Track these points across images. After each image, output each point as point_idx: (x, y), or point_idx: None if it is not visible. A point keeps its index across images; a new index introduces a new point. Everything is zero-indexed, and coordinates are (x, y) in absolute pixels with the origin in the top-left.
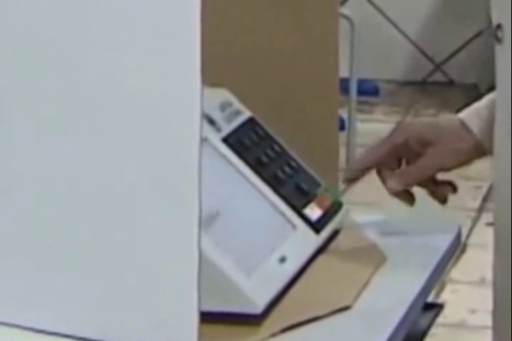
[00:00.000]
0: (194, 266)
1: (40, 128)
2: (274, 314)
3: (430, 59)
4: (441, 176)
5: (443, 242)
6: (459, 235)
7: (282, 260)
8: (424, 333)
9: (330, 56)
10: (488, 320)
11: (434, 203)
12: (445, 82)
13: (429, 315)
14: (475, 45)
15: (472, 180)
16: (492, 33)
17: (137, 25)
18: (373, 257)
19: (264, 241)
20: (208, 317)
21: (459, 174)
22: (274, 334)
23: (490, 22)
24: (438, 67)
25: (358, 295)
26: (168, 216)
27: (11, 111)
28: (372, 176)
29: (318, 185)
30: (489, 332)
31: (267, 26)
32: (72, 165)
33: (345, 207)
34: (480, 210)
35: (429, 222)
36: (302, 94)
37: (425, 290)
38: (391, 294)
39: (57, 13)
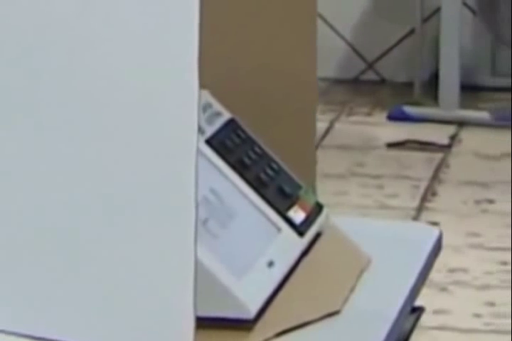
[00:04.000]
0: (190, 273)
1: (36, 135)
2: (265, 319)
3: (362, 57)
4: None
5: (425, 245)
6: (440, 238)
7: (270, 264)
8: (407, 337)
9: (307, 58)
10: (436, 321)
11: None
12: (377, 80)
13: (411, 318)
14: (407, 43)
15: (410, 180)
16: None
17: (135, 25)
18: (358, 260)
19: (251, 245)
20: (198, 323)
21: (397, 174)
22: (267, 340)
23: (422, 20)
24: (370, 65)
25: (346, 300)
26: (164, 222)
27: (4, 115)
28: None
29: (299, 187)
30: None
31: (242, 27)
32: (68, 173)
33: (325, 210)
34: (419, 209)
35: (409, 224)
36: (279, 97)
37: (412, 294)
38: (379, 298)
39: (56, 12)
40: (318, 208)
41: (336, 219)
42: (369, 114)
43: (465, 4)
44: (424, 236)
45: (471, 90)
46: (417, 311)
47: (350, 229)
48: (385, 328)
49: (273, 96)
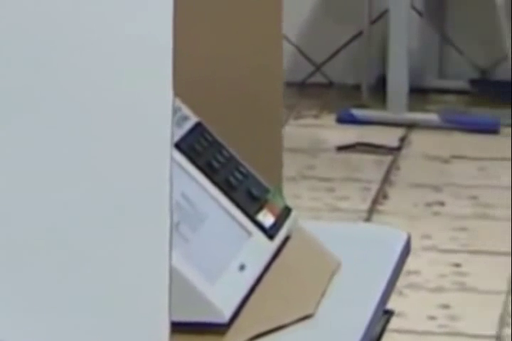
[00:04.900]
0: (165, 277)
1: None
2: (239, 323)
3: (310, 60)
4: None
5: (394, 248)
6: (408, 241)
7: (242, 268)
8: (378, 340)
9: (273, 62)
10: (392, 324)
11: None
12: (325, 83)
13: (381, 321)
14: (355, 46)
15: (361, 182)
16: None
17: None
18: (328, 263)
19: (222, 249)
20: (173, 327)
21: (348, 176)
22: None
23: (370, 22)
24: (318, 68)
25: (319, 303)
26: (139, 227)
27: None
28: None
29: (267, 190)
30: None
31: (207, 31)
32: (44, 178)
33: (293, 213)
34: (370, 212)
35: (378, 227)
36: (244, 100)
37: (384, 297)
38: (352, 301)
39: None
40: (287, 211)
41: (303, 222)
42: (317, 117)
43: (412, 6)
44: (393, 239)
45: (419, 92)
46: (387, 314)
47: (318, 233)
48: (359, 331)
49: (238, 100)
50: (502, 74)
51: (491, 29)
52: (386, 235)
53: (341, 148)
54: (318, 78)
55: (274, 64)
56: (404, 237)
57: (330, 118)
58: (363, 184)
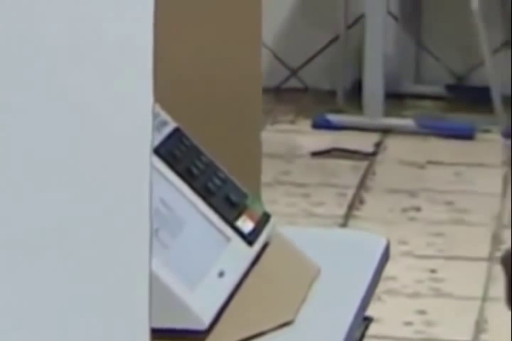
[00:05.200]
0: (145, 284)
1: None
2: (219, 329)
3: (285, 65)
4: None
5: (374, 254)
6: (387, 247)
7: (221, 274)
8: None
9: (252, 68)
10: (370, 329)
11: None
12: (301, 88)
13: (361, 327)
14: (331, 51)
15: (336, 188)
16: None
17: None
18: (308, 269)
19: (202, 255)
20: (152, 334)
21: (323, 182)
22: None
23: (346, 27)
24: (294, 73)
25: (299, 309)
26: (119, 233)
27: None
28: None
29: (245, 196)
30: None
31: (187, 37)
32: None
33: (272, 219)
34: (347, 217)
35: (357, 233)
36: (223, 106)
37: (364, 304)
38: (332, 308)
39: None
40: (266, 217)
41: (282, 228)
42: (293, 123)
43: (388, 11)
44: (372, 244)
45: (394, 98)
46: (366, 320)
47: (297, 238)
48: (339, 338)
49: (217, 106)
50: (478, 80)
51: (466, 35)
52: (365, 241)
53: (317, 154)
54: (293, 83)
55: (253, 70)
56: (384, 243)
57: (306, 124)
58: (339, 189)
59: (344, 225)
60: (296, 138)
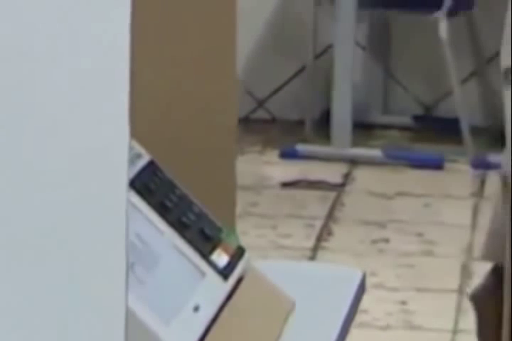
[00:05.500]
0: (121, 319)
1: None
2: None
3: (253, 95)
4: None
5: (349, 288)
6: (363, 280)
7: (196, 309)
8: None
9: (227, 101)
10: None
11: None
12: (268, 119)
13: None
14: (298, 81)
15: (305, 219)
16: (503, 75)
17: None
18: (283, 303)
19: (177, 290)
20: None
21: (291, 213)
22: None
23: (315, 56)
24: (261, 103)
25: None
26: (95, 268)
27: None
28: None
29: (220, 230)
30: None
31: (163, 71)
32: None
33: (247, 253)
34: (315, 249)
35: (331, 267)
36: (197, 139)
37: (341, 337)
38: None
39: None
40: (240, 251)
41: (255, 262)
42: (261, 153)
43: (356, 41)
44: (347, 277)
45: (362, 128)
46: None
47: (273, 272)
48: None
49: (191, 139)
50: (446, 110)
51: (435, 64)
52: (341, 274)
53: (285, 185)
54: (261, 114)
55: (228, 103)
56: (359, 275)
57: (274, 154)
58: (307, 220)
59: (313, 257)
60: (264, 169)
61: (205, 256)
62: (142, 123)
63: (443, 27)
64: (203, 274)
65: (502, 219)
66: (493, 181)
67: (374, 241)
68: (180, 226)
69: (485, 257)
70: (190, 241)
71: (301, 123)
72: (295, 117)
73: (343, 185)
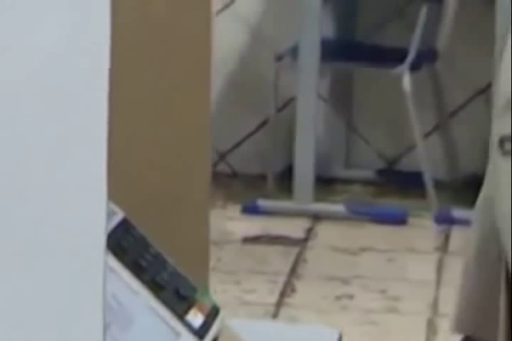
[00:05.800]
0: None
1: None
2: None
3: (214, 149)
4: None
5: None
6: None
7: None
8: None
9: (200, 157)
10: None
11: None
12: (229, 173)
13: None
14: (260, 134)
15: (267, 275)
16: (497, 145)
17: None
18: None
19: None
20: None
21: (254, 269)
22: None
23: (277, 110)
24: (222, 157)
25: None
26: (72, 328)
27: None
28: None
29: (194, 289)
30: None
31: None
32: None
33: (222, 313)
34: (278, 305)
35: (307, 327)
36: (170, 196)
37: None
38: None
39: None
40: (215, 310)
41: (231, 321)
42: (223, 208)
43: (318, 95)
44: (322, 338)
45: (325, 182)
46: None
47: (246, 331)
48: None
49: (164, 195)
50: (409, 164)
51: (397, 118)
52: (315, 334)
53: (247, 240)
54: (222, 168)
55: (201, 165)
56: (336, 336)
57: (236, 209)
58: (270, 276)
59: (276, 313)
60: (226, 224)
61: (181, 316)
62: (116, 181)
63: (406, 81)
64: (178, 335)
65: (474, 279)
66: (458, 236)
67: (338, 298)
68: (155, 287)
69: (457, 330)
70: (166, 302)
71: (263, 177)
72: (257, 171)
73: (305, 240)
